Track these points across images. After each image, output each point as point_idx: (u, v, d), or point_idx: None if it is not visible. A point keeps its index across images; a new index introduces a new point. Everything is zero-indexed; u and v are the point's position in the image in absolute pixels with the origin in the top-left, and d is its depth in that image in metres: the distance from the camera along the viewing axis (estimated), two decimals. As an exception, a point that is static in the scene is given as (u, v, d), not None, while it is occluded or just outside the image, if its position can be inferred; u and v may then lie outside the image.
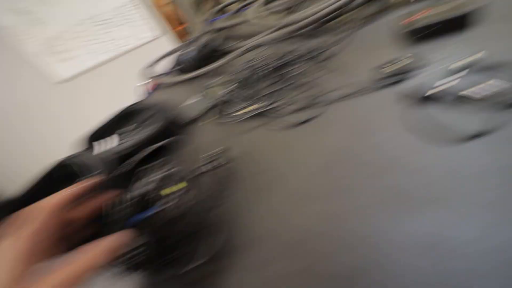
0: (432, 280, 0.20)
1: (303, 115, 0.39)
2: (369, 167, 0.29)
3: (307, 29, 0.55)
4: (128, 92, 0.89)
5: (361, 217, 0.25)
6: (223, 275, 0.27)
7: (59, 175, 0.48)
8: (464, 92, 0.29)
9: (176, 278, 0.26)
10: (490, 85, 0.28)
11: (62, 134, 1.62)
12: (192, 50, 0.68)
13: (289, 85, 0.44)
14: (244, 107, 0.45)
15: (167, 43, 1.67)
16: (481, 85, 0.28)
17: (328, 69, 0.45)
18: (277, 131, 0.40)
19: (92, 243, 0.21)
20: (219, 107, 0.50)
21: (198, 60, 0.68)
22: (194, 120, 0.52)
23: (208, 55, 0.68)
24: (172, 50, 0.88)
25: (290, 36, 0.57)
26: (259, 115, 0.44)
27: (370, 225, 0.24)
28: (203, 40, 0.70)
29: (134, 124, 0.55)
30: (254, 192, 0.33)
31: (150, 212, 0.25)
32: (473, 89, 0.29)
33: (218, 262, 0.27)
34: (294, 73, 0.46)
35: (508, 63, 0.29)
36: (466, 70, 0.31)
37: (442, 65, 0.33)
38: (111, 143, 0.50)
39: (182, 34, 1.64)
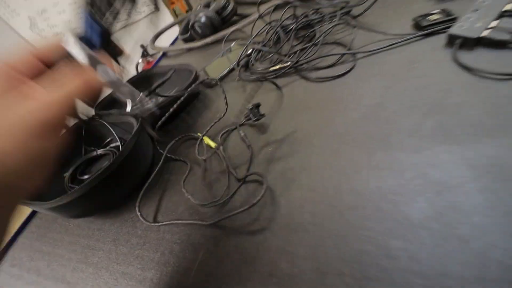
0: None
1: (341, 68, 0.38)
2: (420, 107, 0.28)
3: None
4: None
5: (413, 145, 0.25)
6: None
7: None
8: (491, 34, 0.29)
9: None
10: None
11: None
12: (204, 16, 0.64)
13: (316, 43, 0.43)
14: (273, 65, 0.44)
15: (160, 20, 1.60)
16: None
17: (359, 26, 0.44)
18: (311, 85, 0.39)
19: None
20: (244, 67, 0.48)
21: (210, 27, 0.65)
22: (220, 79, 0.50)
23: (220, 22, 0.66)
24: (176, 21, 0.84)
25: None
26: (287, 72, 0.43)
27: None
28: (214, 5, 0.67)
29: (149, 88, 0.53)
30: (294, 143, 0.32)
31: None
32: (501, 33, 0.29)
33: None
34: (321, 32, 0.44)
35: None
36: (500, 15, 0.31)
37: (490, 9, 0.32)
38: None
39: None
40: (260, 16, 0.53)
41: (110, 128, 0.43)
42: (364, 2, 0.46)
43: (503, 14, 0.31)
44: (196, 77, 0.46)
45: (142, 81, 0.55)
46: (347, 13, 0.47)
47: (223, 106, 0.40)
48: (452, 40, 0.33)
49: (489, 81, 0.28)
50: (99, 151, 0.44)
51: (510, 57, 0.29)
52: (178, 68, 0.52)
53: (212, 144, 0.37)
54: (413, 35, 0.36)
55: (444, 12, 0.37)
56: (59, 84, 0.18)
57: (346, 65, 0.38)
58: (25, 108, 0.16)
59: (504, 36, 0.29)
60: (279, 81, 0.42)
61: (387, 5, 0.47)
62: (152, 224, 0.31)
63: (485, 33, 0.30)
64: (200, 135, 0.39)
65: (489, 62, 0.29)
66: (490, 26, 0.31)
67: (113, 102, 0.51)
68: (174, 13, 1.54)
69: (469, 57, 0.31)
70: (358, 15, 0.47)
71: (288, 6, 0.50)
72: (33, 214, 0.42)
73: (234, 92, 0.45)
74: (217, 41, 0.62)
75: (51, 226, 0.38)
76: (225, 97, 0.35)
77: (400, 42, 0.37)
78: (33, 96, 0.17)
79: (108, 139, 0.47)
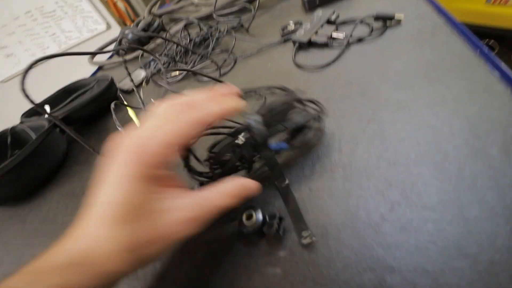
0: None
1: (223, 70, 0.47)
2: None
3: (230, 9, 0.63)
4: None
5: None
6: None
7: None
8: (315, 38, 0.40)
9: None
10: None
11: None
12: (130, 33, 0.72)
13: (211, 52, 0.51)
14: (174, 72, 0.52)
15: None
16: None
17: (247, 36, 0.53)
18: (203, 84, 0.47)
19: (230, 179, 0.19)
20: (156, 76, 0.56)
21: (137, 42, 0.73)
22: (137, 86, 0.57)
23: (146, 37, 0.73)
24: (115, 38, 0.91)
25: (217, 14, 0.64)
26: (187, 76, 0.51)
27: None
28: (141, 24, 0.75)
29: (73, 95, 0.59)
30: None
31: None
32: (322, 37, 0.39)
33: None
34: (215, 43, 0.53)
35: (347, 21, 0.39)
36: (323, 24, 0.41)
37: (320, 19, 0.42)
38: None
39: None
40: (169, 35, 0.62)
41: (30, 132, 0.49)
42: (252, 19, 0.55)
43: (327, 22, 0.42)
44: (110, 85, 0.53)
45: (66, 92, 0.60)
46: (240, 26, 0.57)
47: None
48: (294, 44, 0.42)
49: (309, 72, 0.37)
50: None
51: (329, 53, 0.38)
52: (100, 79, 0.59)
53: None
54: (274, 43, 0.46)
55: (297, 23, 0.46)
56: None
57: (228, 68, 0.47)
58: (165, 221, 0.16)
59: (323, 39, 0.39)
60: (182, 84, 0.50)
61: (274, 17, 0.56)
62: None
63: (312, 38, 0.40)
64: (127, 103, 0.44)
65: (315, 58, 0.38)
66: (316, 32, 0.41)
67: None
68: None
69: (304, 56, 0.40)
70: (248, 28, 0.56)
71: (190, 23, 0.59)
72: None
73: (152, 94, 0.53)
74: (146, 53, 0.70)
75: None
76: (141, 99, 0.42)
77: (266, 48, 0.46)
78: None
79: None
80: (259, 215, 0.20)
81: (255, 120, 0.22)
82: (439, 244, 0.17)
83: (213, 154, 0.24)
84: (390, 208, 0.19)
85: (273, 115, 0.24)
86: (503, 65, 0.25)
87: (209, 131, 0.23)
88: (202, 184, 0.25)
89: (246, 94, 0.38)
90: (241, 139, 0.22)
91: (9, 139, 0.51)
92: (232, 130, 0.24)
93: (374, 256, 0.17)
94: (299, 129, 0.25)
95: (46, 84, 1.66)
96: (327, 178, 0.23)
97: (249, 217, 0.20)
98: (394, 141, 0.23)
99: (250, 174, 0.25)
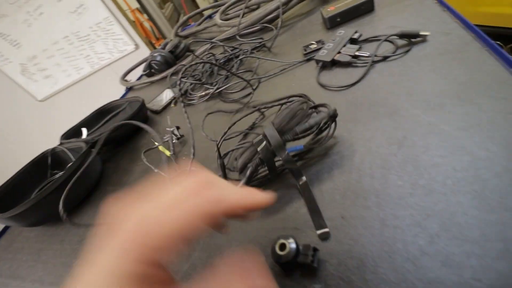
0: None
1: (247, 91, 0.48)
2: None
3: (252, 28, 0.65)
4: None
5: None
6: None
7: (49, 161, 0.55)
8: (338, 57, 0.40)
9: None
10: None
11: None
12: (159, 55, 0.76)
13: (235, 72, 0.53)
14: (201, 93, 0.54)
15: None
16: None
17: (269, 55, 0.55)
18: (226, 105, 0.48)
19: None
20: (183, 96, 0.58)
21: (165, 64, 0.77)
22: (165, 107, 0.60)
23: (174, 58, 0.77)
24: (144, 59, 0.96)
25: (240, 34, 0.66)
26: (213, 97, 0.53)
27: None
28: (168, 46, 0.79)
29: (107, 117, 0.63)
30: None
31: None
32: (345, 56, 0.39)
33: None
34: (239, 63, 0.55)
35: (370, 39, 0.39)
36: (347, 43, 0.42)
37: (342, 38, 0.43)
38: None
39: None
40: (196, 56, 0.64)
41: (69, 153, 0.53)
42: (275, 38, 0.57)
43: (350, 41, 0.42)
44: (141, 107, 0.56)
45: (100, 114, 0.64)
46: (263, 46, 0.58)
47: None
48: (318, 63, 0.42)
49: (334, 92, 0.37)
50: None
51: (353, 72, 0.38)
52: (131, 101, 0.63)
53: (167, 153, 0.45)
54: (297, 62, 0.46)
55: (320, 42, 0.47)
56: None
57: (249, 89, 0.48)
58: None
59: (347, 58, 0.39)
60: (209, 104, 0.52)
61: (295, 36, 0.58)
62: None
63: (336, 57, 0.40)
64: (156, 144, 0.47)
65: (339, 78, 0.39)
66: (339, 51, 0.41)
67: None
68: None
69: (328, 75, 0.40)
70: (270, 47, 0.57)
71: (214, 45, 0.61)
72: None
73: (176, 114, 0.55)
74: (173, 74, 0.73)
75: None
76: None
77: (289, 67, 0.47)
78: None
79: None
80: (292, 245, 0.20)
81: (268, 129, 0.27)
82: (484, 281, 0.16)
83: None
84: (430, 241, 0.18)
85: (288, 121, 0.27)
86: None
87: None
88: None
89: (269, 106, 0.39)
90: (259, 146, 0.27)
91: (49, 160, 0.55)
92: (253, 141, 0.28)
93: (413, 291, 0.17)
94: (314, 131, 0.28)
95: (81, 103, 1.80)
96: (360, 206, 0.23)
97: (282, 246, 0.20)
98: (428, 167, 0.23)
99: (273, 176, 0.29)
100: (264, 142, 0.27)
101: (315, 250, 0.20)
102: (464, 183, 0.20)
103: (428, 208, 0.20)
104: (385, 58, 0.37)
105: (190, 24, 1.10)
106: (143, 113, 0.57)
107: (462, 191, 0.20)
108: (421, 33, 0.35)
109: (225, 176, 0.32)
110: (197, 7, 3.02)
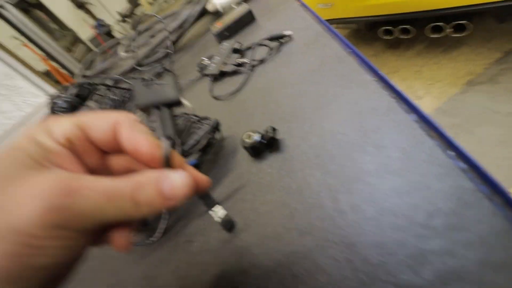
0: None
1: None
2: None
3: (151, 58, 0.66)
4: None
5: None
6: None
7: None
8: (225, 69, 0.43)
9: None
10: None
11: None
12: (61, 98, 0.71)
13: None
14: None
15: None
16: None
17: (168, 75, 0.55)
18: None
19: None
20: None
21: (69, 107, 0.72)
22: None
23: (78, 101, 0.73)
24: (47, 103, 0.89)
25: (142, 64, 0.66)
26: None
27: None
28: (72, 89, 0.74)
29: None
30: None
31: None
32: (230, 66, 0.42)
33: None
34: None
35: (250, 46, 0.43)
36: (230, 54, 0.45)
37: (226, 50, 0.46)
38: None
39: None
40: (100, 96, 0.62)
41: None
42: (171, 62, 0.58)
43: (233, 52, 0.45)
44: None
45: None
46: (165, 70, 0.59)
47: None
48: (209, 77, 0.44)
49: (224, 101, 0.39)
50: None
51: (239, 79, 0.40)
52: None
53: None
54: (192, 80, 0.48)
55: (211, 57, 0.49)
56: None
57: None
58: None
59: (232, 68, 0.42)
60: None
61: (194, 55, 0.59)
62: None
63: (223, 68, 0.43)
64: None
65: (229, 87, 0.41)
66: (225, 62, 0.43)
67: None
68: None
69: (221, 85, 0.42)
70: (171, 70, 0.58)
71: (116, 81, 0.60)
72: None
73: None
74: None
75: None
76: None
77: (186, 86, 0.48)
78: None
79: None
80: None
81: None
82: None
83: None
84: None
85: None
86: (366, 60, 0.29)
87: None
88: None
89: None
90: None
91: None
92: None
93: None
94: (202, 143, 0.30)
95: None
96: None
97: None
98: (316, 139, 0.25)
99: None
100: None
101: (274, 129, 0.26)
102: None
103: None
104: (262, 61, 0.40)
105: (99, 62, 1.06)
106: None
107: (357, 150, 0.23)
108: (285, 33, 0.40)
109: None
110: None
